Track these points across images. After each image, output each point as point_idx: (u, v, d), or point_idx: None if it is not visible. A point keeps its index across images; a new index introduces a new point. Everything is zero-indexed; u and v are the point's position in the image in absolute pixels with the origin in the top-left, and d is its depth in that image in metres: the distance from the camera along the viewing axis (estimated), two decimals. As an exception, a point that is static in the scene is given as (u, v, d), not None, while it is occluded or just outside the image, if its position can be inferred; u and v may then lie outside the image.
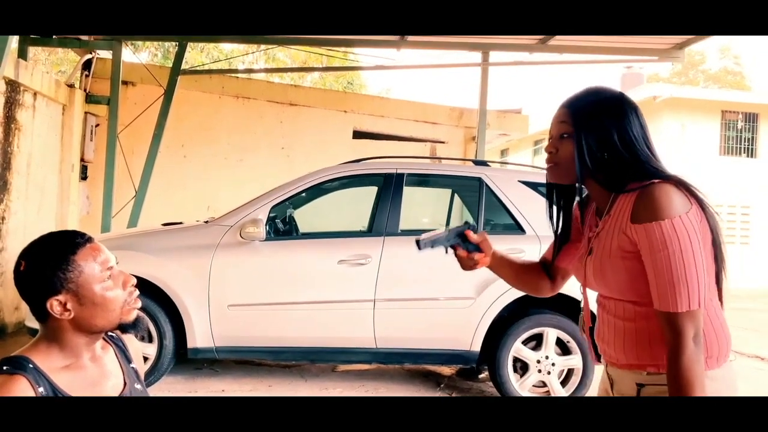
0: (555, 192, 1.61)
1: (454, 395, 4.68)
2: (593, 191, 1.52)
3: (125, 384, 1.44)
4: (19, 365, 1.26)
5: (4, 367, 1.26)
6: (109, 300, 1.32)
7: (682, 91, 16.60)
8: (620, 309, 1.46)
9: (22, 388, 1.23)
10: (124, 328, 1.38)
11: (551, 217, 1.64)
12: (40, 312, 1.31)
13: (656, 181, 1.37)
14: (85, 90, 7.67)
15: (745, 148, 15.87)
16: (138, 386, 1.48)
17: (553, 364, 4.35)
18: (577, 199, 1.58)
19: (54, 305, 1.29)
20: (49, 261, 1.29)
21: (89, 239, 1.36)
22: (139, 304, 1.39)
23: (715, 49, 30.78)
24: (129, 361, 1.50)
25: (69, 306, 1.29)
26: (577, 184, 1.49)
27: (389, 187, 4.64)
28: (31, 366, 1.27)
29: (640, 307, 1.42)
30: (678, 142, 15.08)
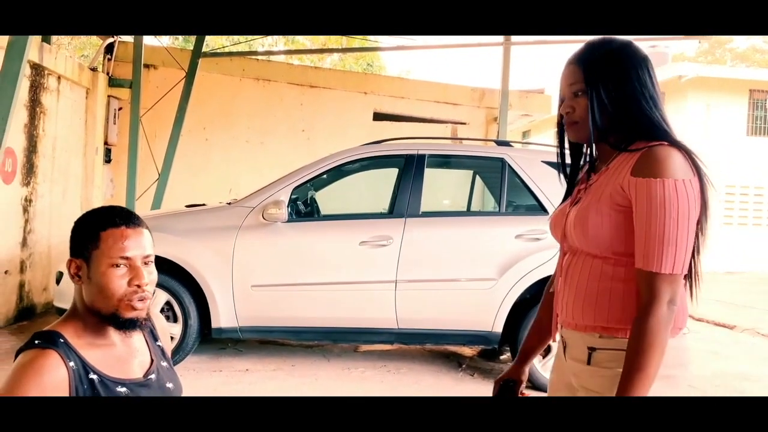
0: (571, 153, 1.59)
1: (475, 376, 4.69)
2: (600, 151, 1.50)
3: (152, 361, 1.47)
4: (51, 339, 1.30)
5: (36, 341, 1.29)
6: (105, 284, 1.32)
7: (708, 70, 16.19)
8: (587, 265, 1.43)
9: (53, 361, 1.26)
10: (116, 321, 1.35)
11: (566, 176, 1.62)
12: None
13: (665, 143, 1.34)
14: (107, 73, 7.73)
15: (773, 128, 15.51)
16: (164, 364, 1.51)
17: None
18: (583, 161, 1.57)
19: (72, 265, 1.37)
20: (84, 226, 1.38)
21: (129, 224, 1.36)
22: (140, 307, 1.35)
23: (743, 27, 29.94)
24: (156, 339, 1.53)
25: (80, 273, 1.36)
26: (589, 142, 1.47)
27: (410, 169, 4.62)
28: (62, 341, 1.30)
29: (608, 266, 1.40)
30: (703, 123, 14.78)
